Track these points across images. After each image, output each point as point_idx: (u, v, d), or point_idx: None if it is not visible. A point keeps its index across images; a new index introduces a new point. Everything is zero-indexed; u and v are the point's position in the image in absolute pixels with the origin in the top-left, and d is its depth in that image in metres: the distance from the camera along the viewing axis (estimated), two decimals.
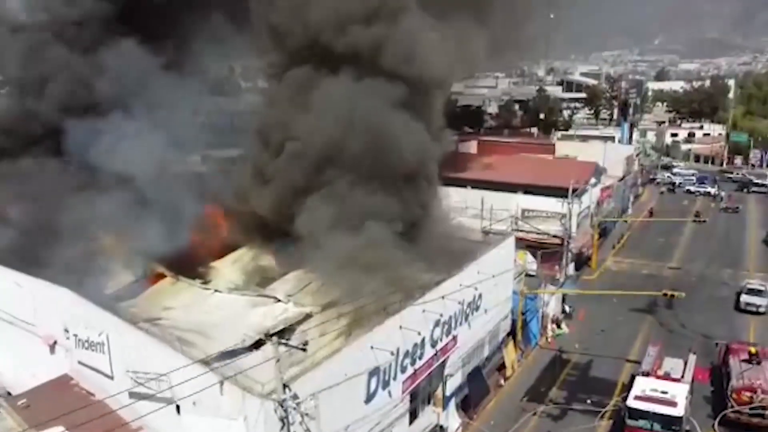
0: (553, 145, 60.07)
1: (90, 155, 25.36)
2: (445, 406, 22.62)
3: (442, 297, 21.60)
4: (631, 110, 76.53)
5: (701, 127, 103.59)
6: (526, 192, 39.92)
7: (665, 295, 26.80)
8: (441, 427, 22.08)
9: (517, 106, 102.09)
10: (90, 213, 24.20)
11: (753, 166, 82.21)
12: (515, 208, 39.91)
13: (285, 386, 14.31)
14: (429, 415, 22.23)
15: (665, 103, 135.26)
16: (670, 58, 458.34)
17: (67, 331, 21.04)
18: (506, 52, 43.74)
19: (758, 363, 23.92)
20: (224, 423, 14.85)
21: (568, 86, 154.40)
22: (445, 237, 28.11)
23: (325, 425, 15.66)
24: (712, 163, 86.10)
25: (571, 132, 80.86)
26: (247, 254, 29.49)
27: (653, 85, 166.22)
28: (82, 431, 16.53)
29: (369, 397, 18.10)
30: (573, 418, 23.81)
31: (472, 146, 61.06)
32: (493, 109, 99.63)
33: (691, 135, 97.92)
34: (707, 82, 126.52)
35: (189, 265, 28.08)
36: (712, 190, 65.55)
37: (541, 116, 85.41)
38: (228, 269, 28.76)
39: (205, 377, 15.16)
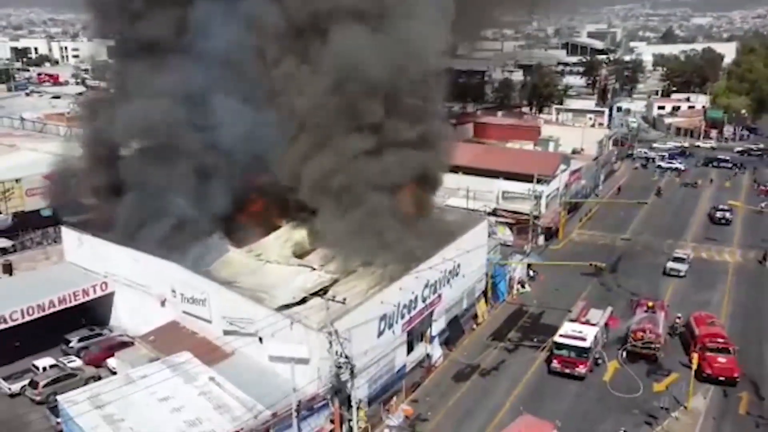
0: (539, 128, 68.91)
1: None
2: (431, 342, 32.64)
3: (430, 267, 31.32)
4: (609, 95, 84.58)
5: (688, 99, 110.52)
6: (506, 178, 49.03)
7: (591, 265, 36.52)
8: (428, 355, 32.04)
9: (520, 72, 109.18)
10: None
11: (727, 140, 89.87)
12: (497, 190, 49.47)
13: (331, 324, 24.13)
14: (421, 347, 32.26)
15: (663, 69, 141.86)
16: (683, 11, 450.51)
17: (174, 291, 30.91)
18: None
19: (654, 313, 33.64)
20: (294, 347, 24.73)
21: (573, 49, 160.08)
22: (439, 218, 37.36)
23: (353, 350, 25.57)
24: (692, 136, 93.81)
25: (564, 106, 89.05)
26: (287, 232, 39.16)
27: (654, 49, 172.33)
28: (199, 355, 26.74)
29: (380, 334, 27.97)
30: (522, 350, 33.73)
31: (469, 128, 70.75)
32: (497, 75, 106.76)
33: (676, 109, 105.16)
34: (701, 51, 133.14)
35: (244, 239, 37.82)
36: (681, 166, 73.89)
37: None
38: (273, 244, 38.41)
39: (280, 319, 25.22)
